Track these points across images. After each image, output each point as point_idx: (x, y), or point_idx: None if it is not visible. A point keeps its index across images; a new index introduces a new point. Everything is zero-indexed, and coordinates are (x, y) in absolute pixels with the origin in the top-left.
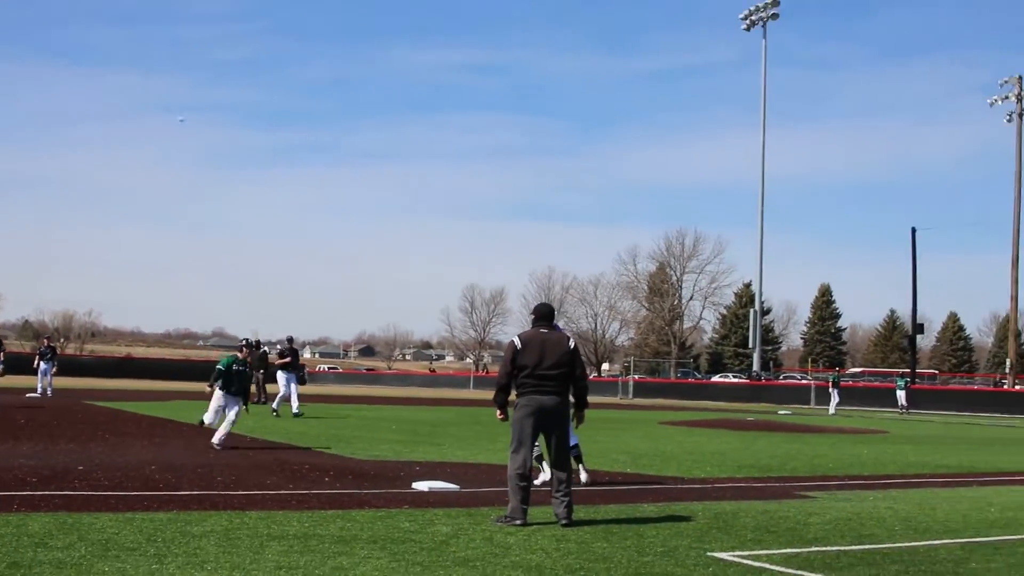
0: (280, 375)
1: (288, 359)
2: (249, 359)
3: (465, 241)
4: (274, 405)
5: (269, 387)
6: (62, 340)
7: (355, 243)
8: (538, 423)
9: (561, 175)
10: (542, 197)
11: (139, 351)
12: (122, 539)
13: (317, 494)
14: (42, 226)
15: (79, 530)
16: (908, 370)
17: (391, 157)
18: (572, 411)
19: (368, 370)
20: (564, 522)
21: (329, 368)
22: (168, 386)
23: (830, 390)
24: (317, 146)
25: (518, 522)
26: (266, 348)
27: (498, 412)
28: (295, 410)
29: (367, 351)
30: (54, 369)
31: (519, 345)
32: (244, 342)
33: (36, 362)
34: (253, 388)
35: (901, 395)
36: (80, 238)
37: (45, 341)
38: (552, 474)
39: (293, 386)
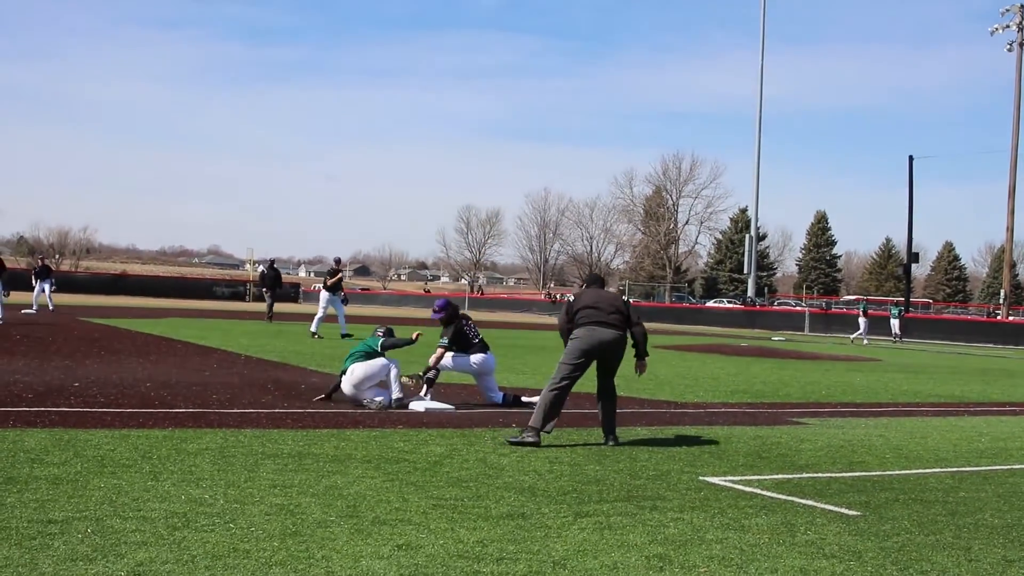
0: (323, 295)
1: (336, 279)
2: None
3: (461, 162)
4: (313, 328)
5: (278, 307)
6: (57, 256)
7: (351, 162)
8: (591, 353)
9: (558, 96)
10: (539, 118)
11: (134, 268)
12: (118, 456)
13: (312, 413)
14: (38, 142)
15: (75, 446)
16: (902, 299)
17: (388, 75)
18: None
19: (363, 290)
20: (612, 442)
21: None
22: (163, 303)
23: (860, 319)
24: (314, 64)
25: (530, 439)
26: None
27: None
28: (344, 331)
29: (362, 271)
30: (53, 287)
31: (572, 297)
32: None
33: (34, 280)
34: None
35: (895, 324)
36: (76, 154)
37: (40, 260)
38: (601, 402)
39: (341, 307)
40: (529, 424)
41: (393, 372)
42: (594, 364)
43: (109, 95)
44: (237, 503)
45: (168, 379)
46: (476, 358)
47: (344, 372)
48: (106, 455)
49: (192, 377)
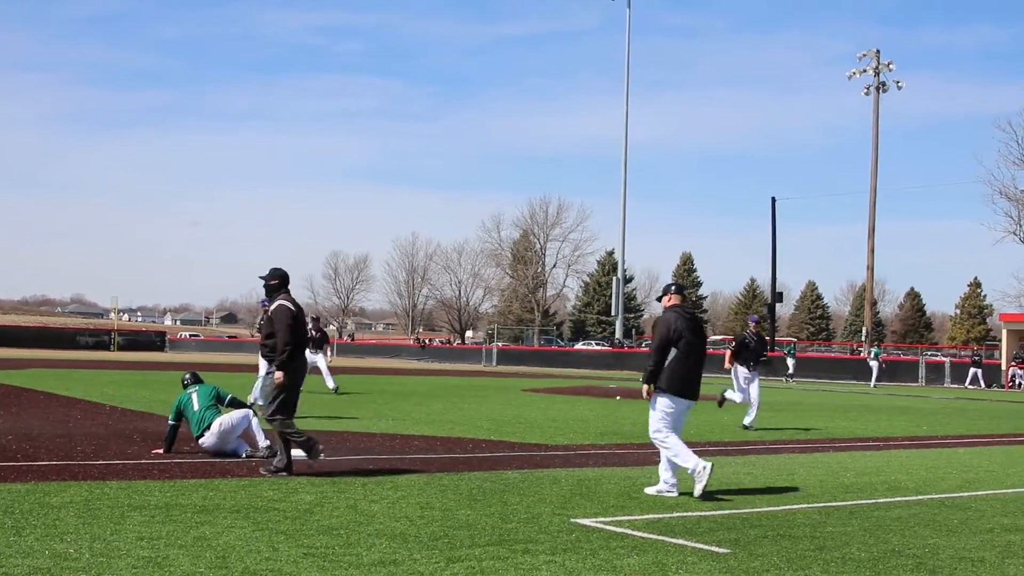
0: (739, 370)
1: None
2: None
3: (327, 207)
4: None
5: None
6: None
7: (216, 208)
8: (297, 384)
9: (425, 140)
10: (406, 163)
11: None
12: None
13: (179, 463)
14: None
15: None
16: (793, 339)
17: (252, 119)
18: None
19: (230, 337)
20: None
21: (191, 335)
22: (24, 354)
23: (788, 360)
24: (175, 108)
25: (284, 474)
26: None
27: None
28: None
29: (229, 318)
30: None
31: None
32: None
33: None
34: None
35: (791, 363)
36: None
37: None
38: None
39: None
40: (283, 468)
41: (255, 422)
42: None
43: None
44: (103, 556)
45: (30, 431)
46: None
47: (177, 422)
48: None
49: (55, 428)
